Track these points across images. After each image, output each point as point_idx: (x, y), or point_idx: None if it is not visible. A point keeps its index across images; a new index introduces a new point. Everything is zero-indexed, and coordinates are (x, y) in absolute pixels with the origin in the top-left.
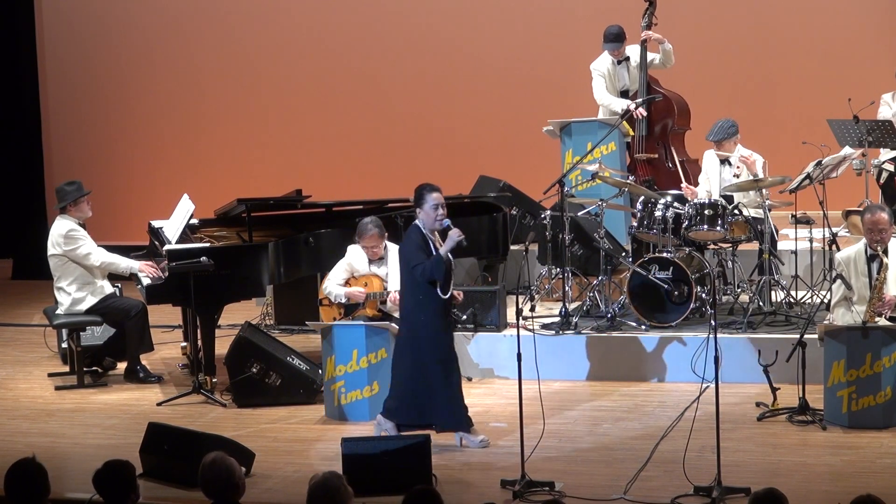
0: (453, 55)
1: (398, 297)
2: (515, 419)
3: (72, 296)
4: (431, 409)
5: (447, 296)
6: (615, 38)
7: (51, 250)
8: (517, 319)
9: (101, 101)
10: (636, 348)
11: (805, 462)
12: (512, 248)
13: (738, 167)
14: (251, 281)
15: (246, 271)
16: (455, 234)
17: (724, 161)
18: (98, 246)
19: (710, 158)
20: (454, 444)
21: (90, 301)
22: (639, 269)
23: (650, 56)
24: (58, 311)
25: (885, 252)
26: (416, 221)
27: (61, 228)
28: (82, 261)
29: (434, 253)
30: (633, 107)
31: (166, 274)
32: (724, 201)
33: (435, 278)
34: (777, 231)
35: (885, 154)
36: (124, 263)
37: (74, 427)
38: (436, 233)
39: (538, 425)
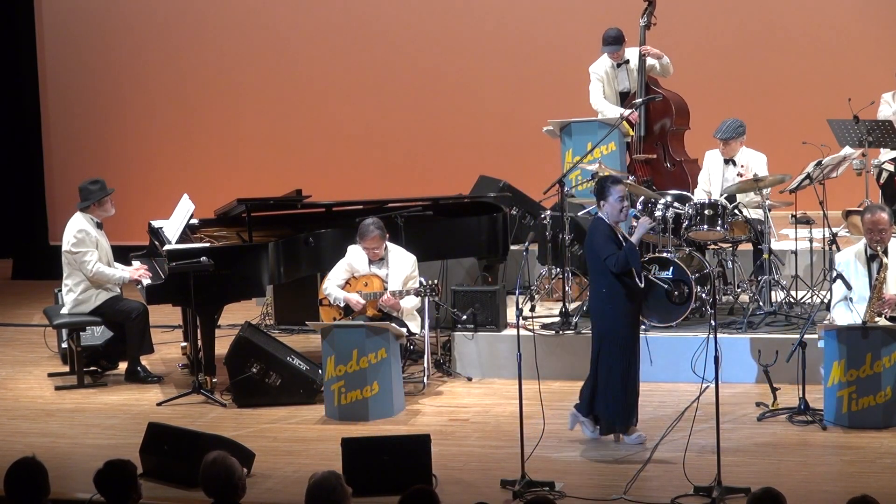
0: (453, 55)
1: (390, 297)
2: (516, 419)
3: (77, 296)
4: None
5: (643, 285)
6: (614, 41)
7: (64, 246)
8: (517, 319)
9: (101, 102)
10: None
11: (805, 462)
12: (512, 248)
13: (742, 166)
14: (251, 281)
15: (246, 271)
16: (646, 222)
17: (728, 161)
18: (110, 248)
19: (713, 157)
20: (454, 443)
21: (94, 303)
22: None
23: (649, 62)
24: (62, 311)
25: (885, 252)
26: (600, 214)
27: (73, 227)
28: (79, 266)
29: (623, 243)
30: (626, 113)
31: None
32: (724, 201)
33: (631, 266)
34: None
35: (885, 154)
36: (117, 275)
37: (74, 427)
38: (618, 224)
39: (538, 425)
